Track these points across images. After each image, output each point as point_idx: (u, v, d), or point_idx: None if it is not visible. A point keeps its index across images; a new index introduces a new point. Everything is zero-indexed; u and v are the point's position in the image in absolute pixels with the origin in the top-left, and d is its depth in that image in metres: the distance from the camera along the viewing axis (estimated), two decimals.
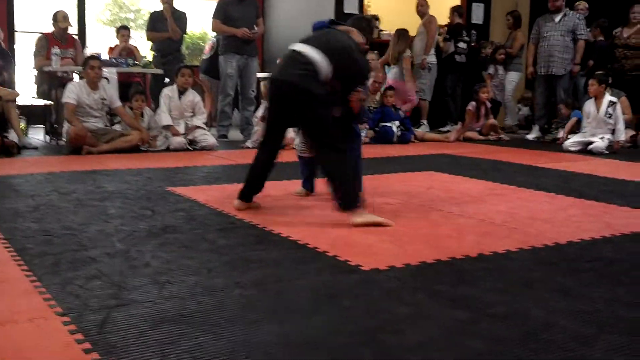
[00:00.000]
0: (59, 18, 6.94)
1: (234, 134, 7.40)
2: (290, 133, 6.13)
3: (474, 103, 7.96)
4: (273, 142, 3.46)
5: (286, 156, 5.72)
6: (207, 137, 6.33)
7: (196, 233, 2.96)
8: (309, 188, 3.98)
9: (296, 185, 4.10)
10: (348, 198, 3.20)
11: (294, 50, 3.32)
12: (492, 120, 7.98)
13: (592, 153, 6.55)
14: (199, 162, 5.41)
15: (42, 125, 7.18)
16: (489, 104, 8.09)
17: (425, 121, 8.49)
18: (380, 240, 2.96)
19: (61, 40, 6.93)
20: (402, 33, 8.06)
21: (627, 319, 2.04)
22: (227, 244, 2.79)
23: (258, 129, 6.60)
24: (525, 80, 9.06)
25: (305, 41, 3.36)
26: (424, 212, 3.58)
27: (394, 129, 7.20)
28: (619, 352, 1.78)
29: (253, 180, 3.51)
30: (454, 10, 8.96)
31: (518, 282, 2.39)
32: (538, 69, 7.95)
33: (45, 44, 6.84)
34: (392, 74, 8.12)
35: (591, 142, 6.67)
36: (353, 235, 3.03)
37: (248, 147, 6.37)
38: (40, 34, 7.08)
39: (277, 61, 3.41)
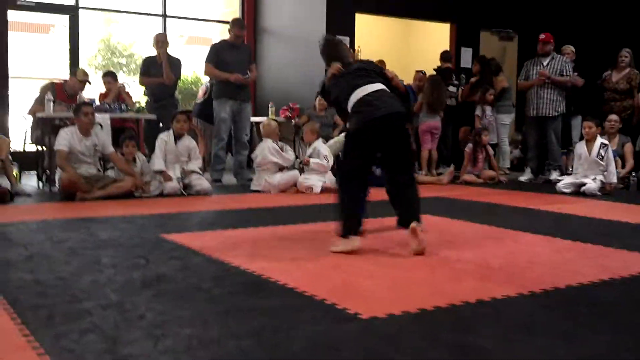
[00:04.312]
0: (79, 73, 7.05)
1: (228, 179, 7.40)
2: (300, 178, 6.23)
3: (471, 145, 7.99)
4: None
5: (292, 200, 5.76)
6: (202, 182, 6.32)
7: (191, 282, 2.92)
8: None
9: (296, 228, 4.07)
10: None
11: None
12: (491, 173, 7.96)
13: (584, 194, 6.57)
14: (193, 208, 5.38)
15: (35, 172, 7.15)
16: (491, 150, 8.09)
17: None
18: (378, 286, 2.93)
19: (69, 95, 7.00)
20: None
21: None
22: (222, 293, 2.76)
23: (262, 173, 6.60)
24: (515, 122, 9.16)
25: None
26: (420, 257, 3.55)
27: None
28: None
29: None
30: (442, 55, 9.11)
31: (518, 329, 2.36)
32: (528, 111, 8.03)
33: (53, 93, 6.88)
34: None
35: (583, 184, 6.70)
36: (350, 281, 3.00)
37: (258, 191, 6.44)
38: (48, 82, 7.13)
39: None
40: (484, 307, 2.63)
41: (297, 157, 7.23)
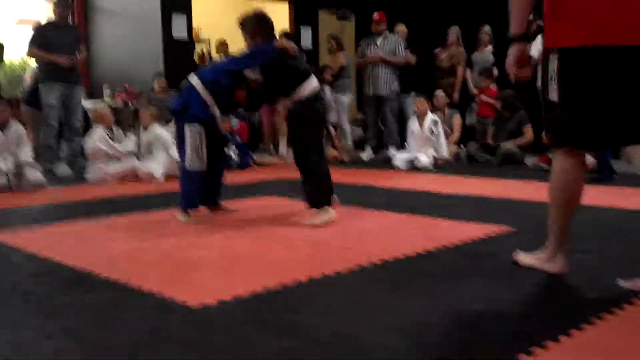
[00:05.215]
0: None
1: (62, 169, 6.95)
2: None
3: None
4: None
5: (129, 189, 5.50)
6: (34, 174, 5.88)
7: (6, 282, 2.71)
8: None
9: (130, 219, 3.90)
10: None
11: None
12: (334, 152, 8.07)
13: (419, 169, 6.91)
14: (19, 203, 5.00)
15: None
16: (332, 130, 8.19)
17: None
18: (212, 272, 2.89)
19: None
20: None
21: (449, 332, 2.13)
22: (40, 291, 2.58)
23: (95, 162, 6.26)
24: (357, 101, 9.42)
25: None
26: (258, 238, 3.55)
27: (231, 154, 7.14)
28: None
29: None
30: (283, 35, 9.11)
31: (345, 304, 2.42)
32: (366, 90, 8.28)
33: None
34: None
35: (417, 159, 7.04)
36: (182, 270, 2.93)
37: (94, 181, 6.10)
38: None
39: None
40: (314, 285, 2.67)
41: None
